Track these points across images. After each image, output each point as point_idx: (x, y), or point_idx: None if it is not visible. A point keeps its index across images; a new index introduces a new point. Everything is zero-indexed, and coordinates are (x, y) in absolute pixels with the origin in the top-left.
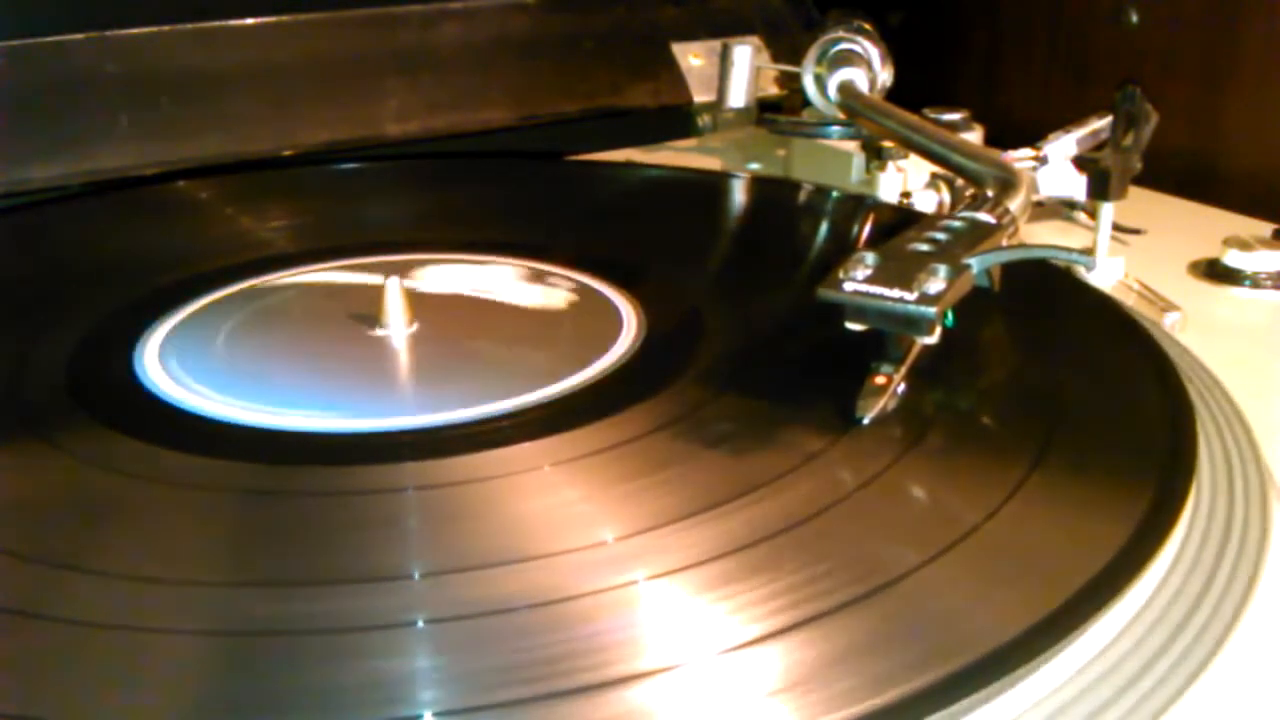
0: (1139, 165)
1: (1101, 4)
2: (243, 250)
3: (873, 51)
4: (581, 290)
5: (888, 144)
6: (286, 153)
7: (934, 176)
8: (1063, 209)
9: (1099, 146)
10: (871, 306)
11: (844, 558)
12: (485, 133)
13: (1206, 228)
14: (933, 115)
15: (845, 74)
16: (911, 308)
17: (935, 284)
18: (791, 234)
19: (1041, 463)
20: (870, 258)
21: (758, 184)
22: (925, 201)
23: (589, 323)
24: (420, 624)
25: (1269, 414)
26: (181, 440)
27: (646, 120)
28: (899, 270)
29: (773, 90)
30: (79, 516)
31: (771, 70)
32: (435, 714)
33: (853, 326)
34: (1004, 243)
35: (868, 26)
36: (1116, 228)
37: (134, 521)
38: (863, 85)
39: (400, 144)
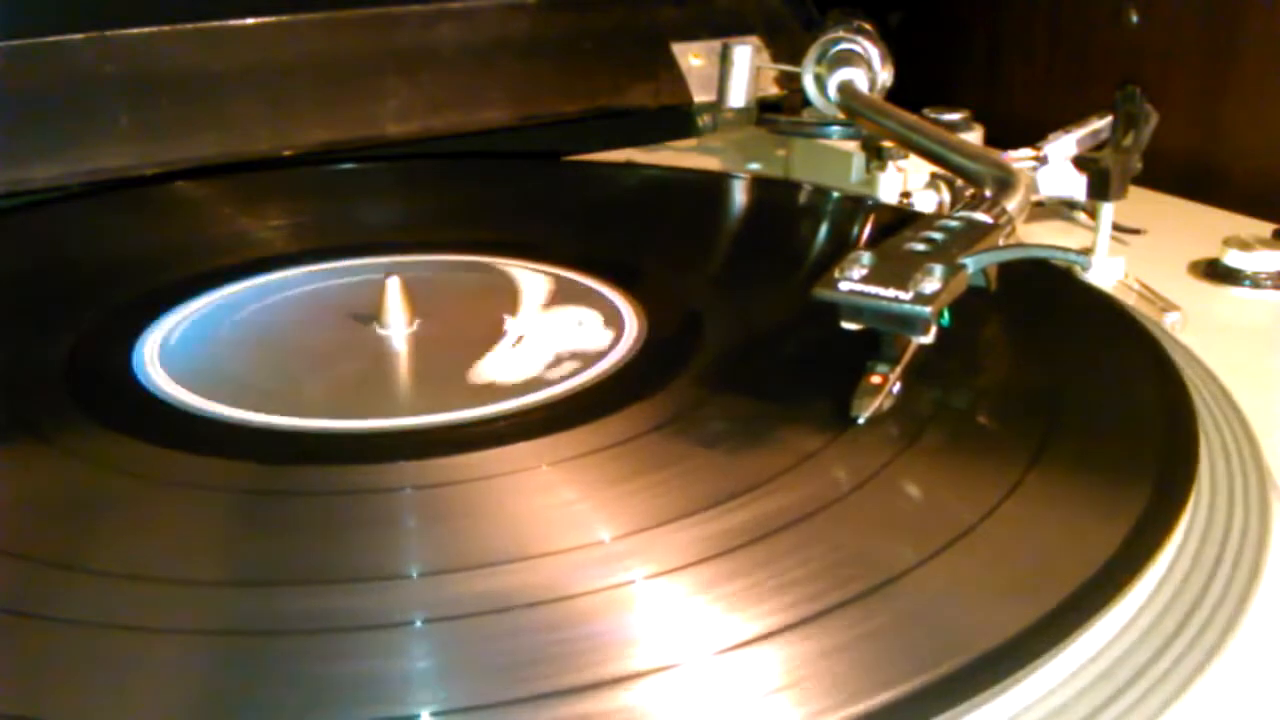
0: (1139, 165)
1: (1101, 4)
2: (242, 250)
3: (873, 51)
4: (580, 290)
5: (888, 144)
6: (286, 153)
7: (934, 176)
8: (1063, 209)
9: (1099, 146)
10: (867, 306)
11: (840, 558)
12: (485, 133)
13: (1206, 228)
14: (933, 115)
15: (845, 74)
16: (906, 307)
17: (930, 284)
18: (791, 234)
19: (1040, 462)
20: (866, 257)
21: (758, 184)
22: (925, 201)
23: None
24: (418, 623)
25: (1269, 414)
26: (181, 440)
27: (646, 120)
28: (895, 270)
29: (773, 90)
30: (78, 516)
31: (771, 70)
32: (432, 714)
33: (848, 326)
34: (1000, 242)
35: (868, 26)
36: (1116, 228)
37: (133, 521)
38: (863, 85)
39: (400, 144)
